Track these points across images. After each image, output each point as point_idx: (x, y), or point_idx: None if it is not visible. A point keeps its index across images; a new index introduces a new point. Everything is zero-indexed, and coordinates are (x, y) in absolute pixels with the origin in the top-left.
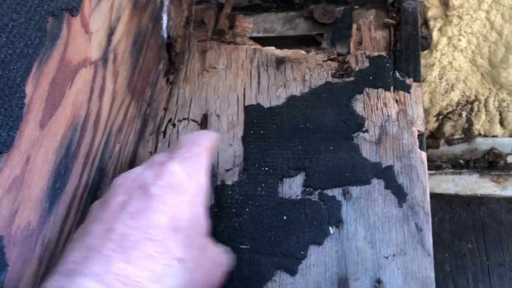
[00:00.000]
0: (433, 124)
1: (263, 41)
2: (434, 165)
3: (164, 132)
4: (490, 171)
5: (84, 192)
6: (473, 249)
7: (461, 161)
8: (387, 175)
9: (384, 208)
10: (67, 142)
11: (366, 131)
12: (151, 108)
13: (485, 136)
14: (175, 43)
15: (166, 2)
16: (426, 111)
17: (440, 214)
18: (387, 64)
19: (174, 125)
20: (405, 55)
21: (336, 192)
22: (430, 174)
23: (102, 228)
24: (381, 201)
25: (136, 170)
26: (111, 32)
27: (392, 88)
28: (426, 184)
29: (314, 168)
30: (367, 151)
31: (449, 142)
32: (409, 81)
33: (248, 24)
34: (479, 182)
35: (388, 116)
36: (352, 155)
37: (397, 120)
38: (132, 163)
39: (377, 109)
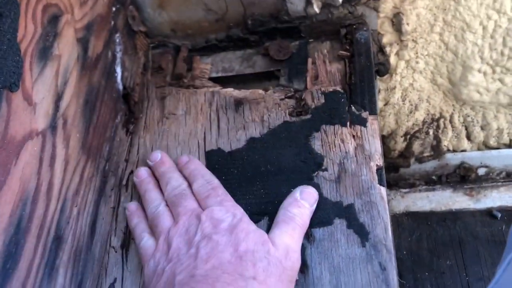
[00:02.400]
0: (402, 144)
1: (223, 81)
2: (408, 183)
3: (126, 185)
4: (462, 185)
5: (40, 265)
6: (451, 266)
7: (433, 177)
8: (349, 214)
9: (347, 249)
10: (16, 219)
11: (326, 169)
12: (111, 163)
13: (454, 151)
14: (132, 92)
15: (118, 54)
16: (393, 132)
17: (418, 233)
18: (342, 99)
19: None
20: (360, 88)
21: None
22: (404, 193)
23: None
24: (344, 241)
25: None
26: (58, 98)
27: (348, 123)
28: (387, 220)
29: (277, 212)
30: (328, 190)
31: (420, 160)
32: (365, 114)
33: (206, 66)
34: (453, 196)
35: (346, 152)
36: None
37: (355, 156)
38: (94, 223)
39: (335, 146)
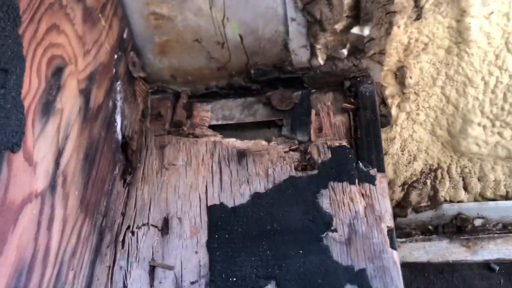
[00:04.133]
0: (399, 194)
1: (223, 128)
2: (404, 233)
3: (123, 241)
4: (459, 236)
5: None
6: None
7: (430, 227)
8: (361, 280)
9: None
10: None
11: (335, 230)
12: (108, 218)
13: (451, 201)
14: (131, 141)
15: (119, 103)
16: (391, 182)
17: (415, 285)
18: (350, 155)
19: (133, 232)
20: (366, 143)
21: None
22: (400, 242)
23: None
24: None
25: None
26: (59, 155)
27: (356, 180)
28: (400, 287)
29: (285, 275)
30: (338, 253)
31: (417, 210)
32: (373, 171)
33: (206, 113)
34: (449, 247)
35: (356, 212)
36: (323, 258)
37: (365, 217)
38: (89, 286)
39: (344, 205)
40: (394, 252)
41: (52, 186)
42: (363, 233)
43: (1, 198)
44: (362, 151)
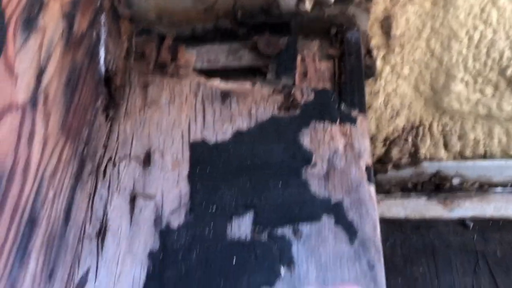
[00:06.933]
0: (381, 150)
1: (208, 74)
2: (384, 189)
3: (104, 172)
4: (437, 194)
5: (12, 248)
6: (424, 273)
7: (409, 184)
8: (337, 211)
9: (335, 246)
10: None
11: (314, 165)
12: (89, 147)
13: (431, 159)
14: (114, 77)
15: (103, 36)
16: (373, 137)
17: (392, 239)
18: (332, 97)
19: (114, 164)
20: (349, 87)
21: (286, 230)
22: (380, 199)
23: None
24: (332, 238)
25: None
26: (40, 72)
27: (338, 120)
28: (376, 219)
29: (263, 205)
30: (316, 186)
31: (397, 166)
32: (354, 113)
33: (191, 56)
34: (427, 205)
35: (335, 149)
36: (301, 191)
37: (345, 154)
38: (69, 209)
39: (324, 142)
40: (371, 186)
41: (33, 102)
42: (341, 168)
43: None
44: (345, 94)
